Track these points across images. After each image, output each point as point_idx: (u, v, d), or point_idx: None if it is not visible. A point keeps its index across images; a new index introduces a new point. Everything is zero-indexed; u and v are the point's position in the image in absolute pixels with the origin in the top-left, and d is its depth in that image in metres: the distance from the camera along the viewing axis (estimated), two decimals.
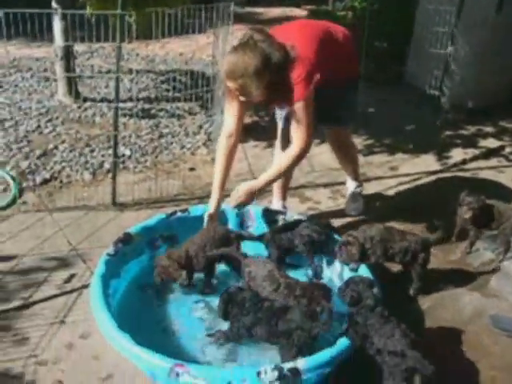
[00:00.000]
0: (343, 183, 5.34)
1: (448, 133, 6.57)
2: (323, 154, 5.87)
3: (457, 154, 6.06)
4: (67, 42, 6.08)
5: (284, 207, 4.86)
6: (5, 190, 5.03)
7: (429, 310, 3.85)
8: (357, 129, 6.40)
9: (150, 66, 7.87)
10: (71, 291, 3.96)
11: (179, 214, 4.26)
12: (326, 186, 5.33)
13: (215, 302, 3.77)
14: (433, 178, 5.46)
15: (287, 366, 3.10)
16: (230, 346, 3.51)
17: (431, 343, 3.27)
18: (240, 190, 4.02)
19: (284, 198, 4.90)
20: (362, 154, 5.94)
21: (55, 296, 3.92)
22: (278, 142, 4.68)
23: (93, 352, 3.49)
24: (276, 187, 4.87)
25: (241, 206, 4.09)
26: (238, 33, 8.13)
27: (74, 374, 3.38)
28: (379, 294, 3.50)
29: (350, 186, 5.06)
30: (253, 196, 4.05)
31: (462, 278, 4.17)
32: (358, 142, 6.18)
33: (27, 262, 4.20)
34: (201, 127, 6.22)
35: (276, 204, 4.88)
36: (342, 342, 3.23)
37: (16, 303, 3.86)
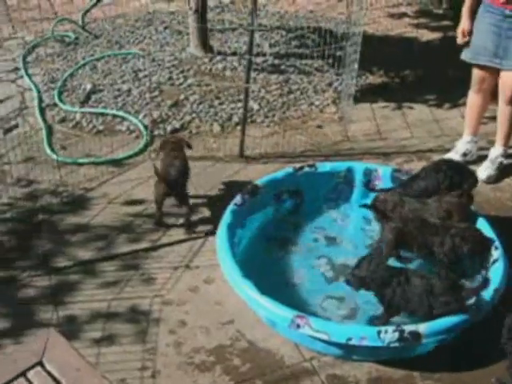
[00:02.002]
0: None
1: None
2: (454, 120, 5.68)
3: None
4: None
5: (474, 142, 4.95)
6: (137, 137, 5.20)
7: None
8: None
9: (280, 23, 7.82)
10: (197, 237, 4.07)
11: (306, 169, 4.26)
12: None
13: (338, 258, 3.78)
14: None
15: (409, 328, 3.07)
16: (351, 304, 3.51)
17: None
18: None
19: (476, 133, 4.97)
20: (495, 120, 5.67)
21: (182, 241, 4.05)
22: None
23: (215, 297, 3.60)
24: (468, 119, 4.99)
25: None
26: None
27: (197, 316, 3.51)
28: None
29: (495, 151, 4.88)
30: None
31: None
32: (491, 107, 5.91)
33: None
34: (330, 85, 6.12)
35: (465, 138, 4.98)
36: None
37: (144, 245, 4.03)
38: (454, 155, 4.92)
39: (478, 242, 3.59)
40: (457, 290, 3.25)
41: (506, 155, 4.87)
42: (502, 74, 4.62)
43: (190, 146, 4.44)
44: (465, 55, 4.76)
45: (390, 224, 3.67)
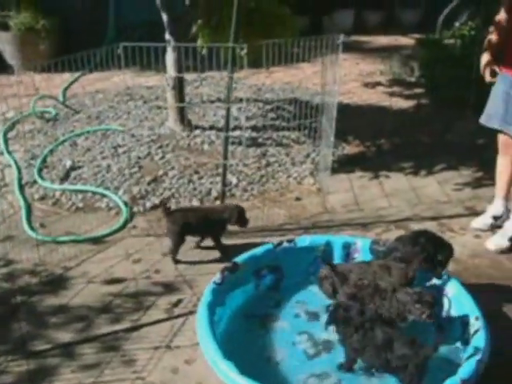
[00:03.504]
0: (450, 217, 5.23)
1: None
2: (429, 187, 5.77)
3: None
4: (179, 73, 6.27)
5: (506, 209, 4.97)
6: (117, 213, 5.22)
7: None
8: (465, 160, 6.26)
9: (257, 95, 7.99)
10: (178, 316, 4.04)
11: (286, 244, 4.28)
12: (432, 219, 5.21)
13: (319, 334, 3.77)
14: None
15: None
16: (334, 379, 3.48)
17: None
18: None
19: (508, 197, 4.99)
20: (471, 186, 5.79)
21: (162, 320, 4.02)
22: None
23: (196, 378, 3.55)
24: (499, 185, 5.01)
25: None
26: (345, 63, 8.23)
27: None
28: None
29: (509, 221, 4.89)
30: None
31: None
32: (467, 173, 6.04)
33: (136, 286, 4.33)
34: (308, 156, 6.23)
35: (497, 202, 5.01)
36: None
37: (125, 325, 3.98)
38: (484, 219, 5.03)
39: (428, 305, 3.61)
40: (416, 345, 3.28)
41: None
42: None
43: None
44: (482, 118, 4.92)
45: (344, 289, 3.72)
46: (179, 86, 6.45)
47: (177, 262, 4.57)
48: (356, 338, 3.38)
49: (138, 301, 4.19)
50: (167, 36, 6.27)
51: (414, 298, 3.58)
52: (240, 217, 4.65)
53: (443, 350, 3.65)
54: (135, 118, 7.05)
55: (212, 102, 7.68)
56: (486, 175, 5.89)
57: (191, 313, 3.99)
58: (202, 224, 4.62)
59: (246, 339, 3.75)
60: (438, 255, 3.95)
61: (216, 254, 4.65)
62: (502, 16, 4.68)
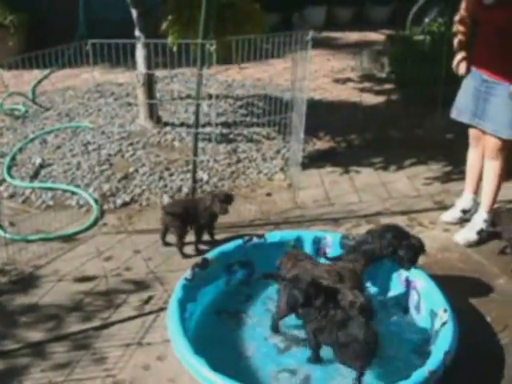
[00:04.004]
0: (420, 211, 5.28)
1: None
2: (399, 181, 5.83)
3: None
4: (149, 70, 6.25)
5: (475, 202, 5.02)
6: (87, 211, 5.19)
7: (508, 346, 3.75)
8: (434, 155, 6.33)
9: (228, 91, 7.99)
10: (149, 313, 4.04)
11: (256, 240, 4.30)
12: (402, 213, 5.26)
13: (290, 329, 3.79)
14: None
15: None
16: (304, 372, 3.51)
17: None
18: None
19: (477, 191, 5.04)
20: (440, 181, 5.85)
21: (133, 317, 4.01)
22: None
23: (168, 374, 3.55)
24: (469, 179, 5.07)
25: None
26: (316, 59, 8.26)
27: None
28: None
29: (480, 218, 4.92)
30: None
31: None
32: (437, 168, 6.10)
33: (107, 284, 4.32)
34: (278, 152, 6.25)
35: (466, 197, 5.06)
36: (418, 376, 3.18)
37: (95, 323, 3.97)
38: (453, 213, 5.08)
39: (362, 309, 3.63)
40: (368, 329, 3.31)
41: (488, 222, 4.87)
42: (484, 136, 4.81)
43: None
44: (453, 113, 4.97)
45: (283, 285, 3.72)
46: (149, 83, 6.43)
47: (185, 256, 4.60)
48: (316, 317, 3.41)
49: (109, 298, 4.18)
50: (137, 32, 6.24)
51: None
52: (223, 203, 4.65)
53: (411, 341, 3.73)
54: (106, 115, 7.01)
55: (183, 98, 7.67)
56: (455, 170, 5.97)
57: (162, 309, 3.98)
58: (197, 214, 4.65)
59: (218, 335, 3.77)
60: (405, 250, 3.99)
61: (187, 250, 4.65)
62: (462, 15, 4.75)
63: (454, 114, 4.95)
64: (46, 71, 8.21)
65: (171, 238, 4.70)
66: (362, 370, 3.24)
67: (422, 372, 3.18)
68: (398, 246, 3.93)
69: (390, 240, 3.95)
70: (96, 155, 5.93)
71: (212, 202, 4.62)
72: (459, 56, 4.84)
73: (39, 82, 8.19)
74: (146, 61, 6.27)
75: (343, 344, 3.27)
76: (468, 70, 4.79)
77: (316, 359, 3.52)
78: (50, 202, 5.32)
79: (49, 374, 3.55)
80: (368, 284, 4.16)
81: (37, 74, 8.05)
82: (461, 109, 4.88)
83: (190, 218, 4.65)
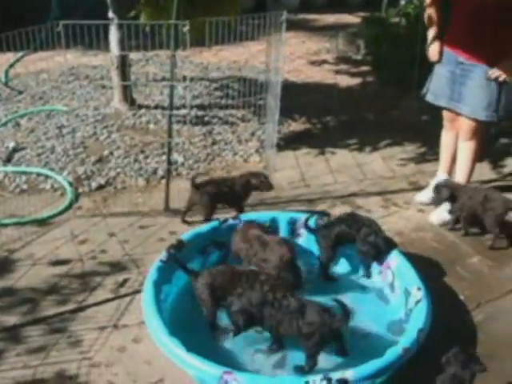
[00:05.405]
0: (395, 191, 5.32)
1: (503, 141, 6.44)
2: (374, 163, 5.86)
3: None
4: (123, 52, 6.19)
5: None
6: (62, 195, 5.15)
7: (481, 323, 3.80)
8: (409, 136, 6.36)
9: (204, 74, 7.95)
10: (124, 296, 4.03)
11: (231, 221, 4.30)
12: (377, 194, 5.29)
13: None
14: (486, 187, 5.35)
15: (336, 376, 3.09)
16: (280, 353, 3.53)
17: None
18: None
19: (451, 172, 5.06)
20: (415, 162, 5.89)
21: (108, 300, 4.00)
22: None
23: (144, 356, 3.55)
24: (443, 160, 5.10)
25: None
26: (291, 41, 8.25)
27: (126, 377, 3.44)
28: None
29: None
30: None
31: None
32: (411, 149, 6.14)
33: (82, 267, 4.30)
34: (253, 134, 6.24)
35: (440, 177, 5.05)
36: (392, 353, 3.21)
37: (71, 306, 3.95)
38: (428, 193, 5.08)
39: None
40: (327, 314, 3.35)
41: None
42: (459, 117, 4.84)
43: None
44: (429, 97, 4.99)
45: (199, 279, 3.71)
46: (124, 65, 6.37)
47: None
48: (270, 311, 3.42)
49: (84, 281, 4.16)
50: (110, 14, 6.18)
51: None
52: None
53: (386, 319, 3.76)
54: (80, 98, 6.95)
55: (158, 80, 7.62)
56: (430, 151, 6.01)
57: (138, 292, 3.97)
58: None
59: (193, 316, 3.76)
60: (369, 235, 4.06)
61: (163, 233, 4.64)
62: None
63: (431, 98, 4.97)
64: (20, 54, 8.10)
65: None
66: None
67: (396, 349, 3.22)
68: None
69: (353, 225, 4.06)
70: (70, 138, 5.89)
71: (259, 180, 4.74)
72: (431, 34, 4.84)
73: (12, 65, 8.08)
74: (120, 43, 6.22)
75: (305, 334, 3.34)
76: (441, 55, 4.81)
77: (279, 349, 3.55)
78: (24, 186, 5.27)
79: (24, 358, 3.53)
80: (344, 263, 4.20)
81: (10, 56, 7.93)
82: (437, 93, 4.90)
83: (223, 196, 4.72)
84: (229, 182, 4.80)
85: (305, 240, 4.33)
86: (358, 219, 4.18)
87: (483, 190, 4.82)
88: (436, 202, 4.85)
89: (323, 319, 3.32)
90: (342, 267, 4.24)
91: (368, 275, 4.10)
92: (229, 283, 3.66)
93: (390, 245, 4.10)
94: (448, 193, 4.64)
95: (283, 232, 4.33)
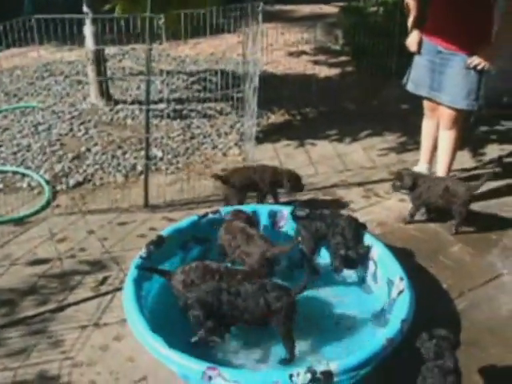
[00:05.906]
0: (376, 182, 5.30)
1: (483, 129, 6.45)
2: (355, 153, 5.84)
3: (492, 151, 5.95)
4: (98, 46, 6.12)
5: (430, 172, 5.05)
6: (39, 193, 5.08)
7: (464, 311, 3.80)
8: (389, 126, 6.35)
9: (181, 67, 7.89)
10: (105, 294, 3.98)
11: (211, 215, 4.26)
12: (359, 185, 5.27)
13: None
14: (467, 175, 5.36)
15: (320, 368, 3.08)
16: (263, 348, 3.50)
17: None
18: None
19: (431, 161, 5.09)
20: (396, 151, 5.88)
21: (89, 299, 3.95)
22: None
23: (127, 354, 3.51)
24: (424, 149, 5.12)
25: None
26: (269, 32, 8.19)
27: (109, 376, 3.41)
28: None
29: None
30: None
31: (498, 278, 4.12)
32: (392, 138, 6.13)
33: (61, 265, 4.24)
34: (232, 127, 6.21)
35: (421, 166, 5.09)
36: (376, 344, 3.19)
37: (51, 306, 3.90)
38: None
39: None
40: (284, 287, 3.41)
41: None
42: (440, 106, 4.83)
43: None
44: (409, 86, 4.98)
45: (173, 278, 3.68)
46: (99, 60, 6.30)
47: None
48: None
49: (64, 280, 4.11)
50: (85, 8, 6.10)
51: None
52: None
53: (369, 310, 3.74)
54: (56, 95, 6.86)
55: (135, 75, 7.54)
56: (410, 140, 6.01)
57: (118, 289, 3.93)
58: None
59: (175, 313, 3.72)
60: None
61: (143, 229, 4.59)
62: None
63: (412, 87, 4.96)
64: None
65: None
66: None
67: (380, 340, 3.20)
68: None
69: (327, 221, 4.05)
70: (46, 135, 5.81)
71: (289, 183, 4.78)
72: (410, 23, 4.83)
73: None
74: (95, 37, 6.14)
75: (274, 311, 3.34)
76: (419, 45, 4.79)
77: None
78: (0, 185, 5.19)
79: (3, 360, 3.48)
80: (326, 255, 4.18)
81: None
82: (417, 82, 4.89)
83: (252, 187, 4.78)
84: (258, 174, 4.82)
85: (286, 232, 4.30)
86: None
87: (445, 180, 4.76)
88: (397, 189, 4.83)
89: (288, 291, 3.36)
90: (324, 259, 4.22)
91: (339, 269, 4.06)
92: (200, 280, 3.62)
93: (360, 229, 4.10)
94: (410, 181, 4.62)
95: (264, 224, 4.29)
